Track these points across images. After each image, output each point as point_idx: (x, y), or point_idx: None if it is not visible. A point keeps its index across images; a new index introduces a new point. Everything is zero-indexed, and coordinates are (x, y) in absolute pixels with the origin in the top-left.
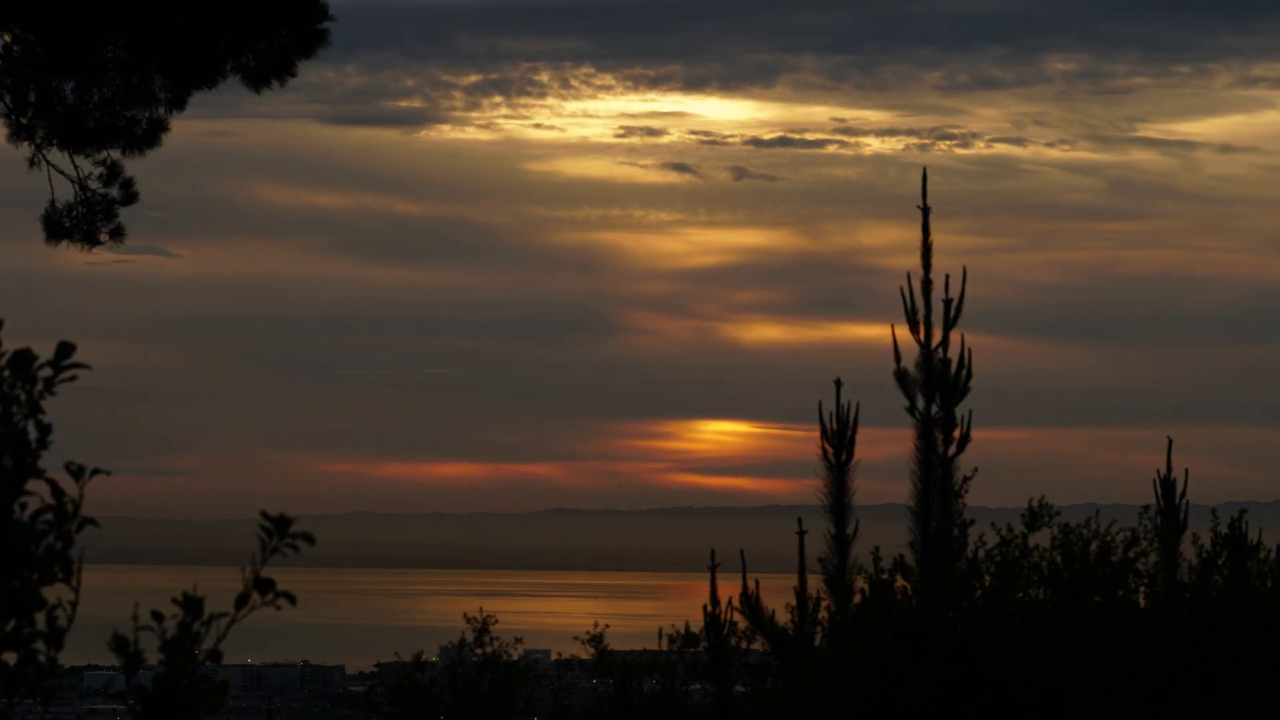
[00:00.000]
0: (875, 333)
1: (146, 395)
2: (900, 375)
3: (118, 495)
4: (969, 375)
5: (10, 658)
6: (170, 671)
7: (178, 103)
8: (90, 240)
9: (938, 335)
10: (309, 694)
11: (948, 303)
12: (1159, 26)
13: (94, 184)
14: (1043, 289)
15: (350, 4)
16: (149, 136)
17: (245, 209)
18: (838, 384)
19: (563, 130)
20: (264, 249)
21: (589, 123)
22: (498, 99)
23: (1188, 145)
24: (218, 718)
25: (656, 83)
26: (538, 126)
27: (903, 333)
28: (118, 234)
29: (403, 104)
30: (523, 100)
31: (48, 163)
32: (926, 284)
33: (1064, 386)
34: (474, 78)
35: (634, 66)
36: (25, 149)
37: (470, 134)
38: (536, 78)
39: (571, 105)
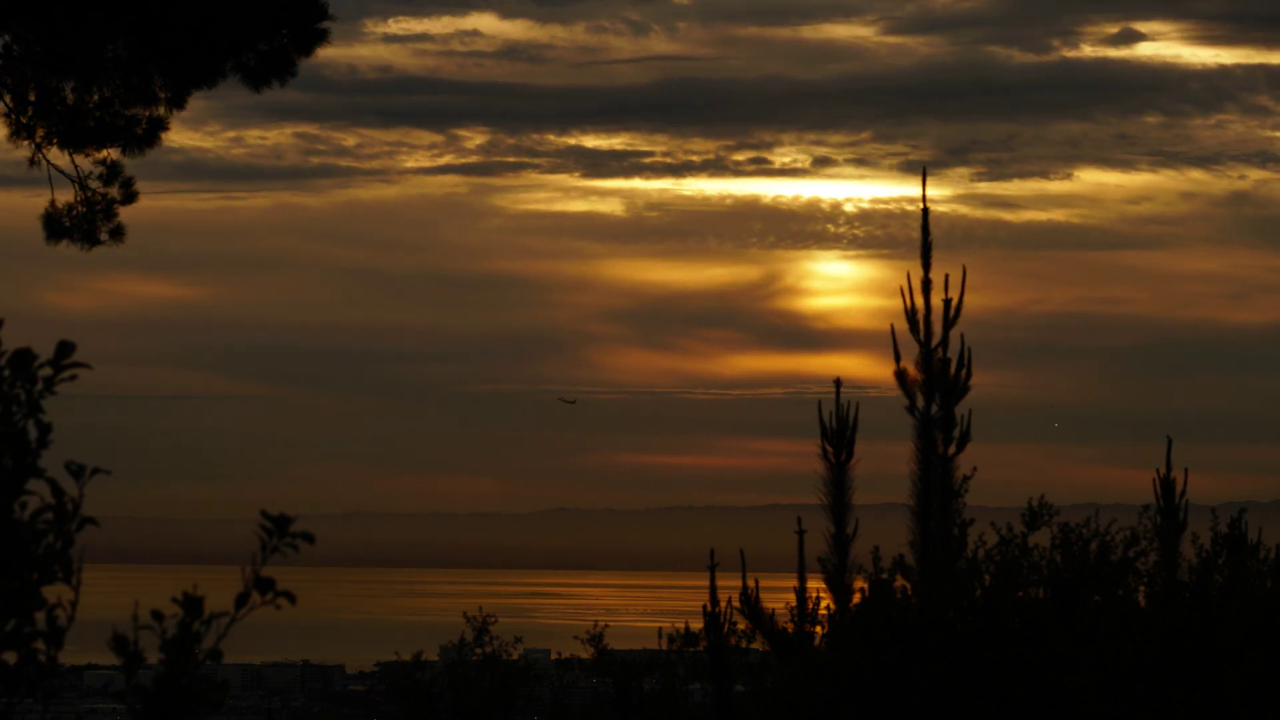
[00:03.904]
0: (859, 356)
1: (164, 408)
2: (900, 375)
3: (118, 496)
4: (969, 374)
5: (10, 657)
6: (170, 671)
7: (178, 102)
8: (90, 240)
9: (937, 334)
10: (309, 694)
11: (947, 302)
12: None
13: (94, 184)
14: (983, 320)
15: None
16: (149, 136)
17: (250, 254)
18: (837, 383)
19: (564, 171)
20: (284, 286)
21: (566, 164)
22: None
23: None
24: (218, 717)
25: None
26: (536, 185)
27: (902, 332)
28: (117, 234)
29: (378, 160)
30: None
31: (48, 162)
32: (926, 283)
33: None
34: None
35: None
36: (27, 149)
37: (459, 191)
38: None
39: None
